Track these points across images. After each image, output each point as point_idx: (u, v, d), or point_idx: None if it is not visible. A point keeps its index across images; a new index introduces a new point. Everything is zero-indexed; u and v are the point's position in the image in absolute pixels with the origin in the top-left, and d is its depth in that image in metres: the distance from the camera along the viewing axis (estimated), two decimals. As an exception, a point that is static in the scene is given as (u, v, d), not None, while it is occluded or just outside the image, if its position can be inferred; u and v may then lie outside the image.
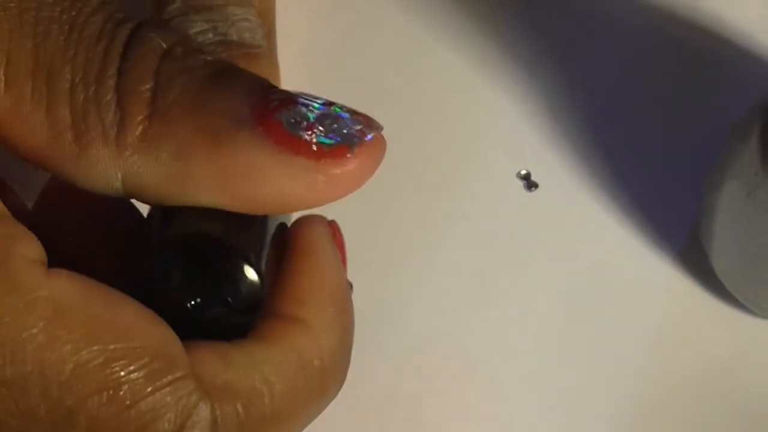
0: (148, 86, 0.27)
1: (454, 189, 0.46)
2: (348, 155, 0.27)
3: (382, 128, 0.28)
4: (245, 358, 0.28)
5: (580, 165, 0.46)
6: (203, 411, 0.26)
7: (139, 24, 0.28)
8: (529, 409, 0.42)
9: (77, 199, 0.30)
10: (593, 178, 0.46)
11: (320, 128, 0.27)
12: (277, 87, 0.28)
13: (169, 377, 0.26)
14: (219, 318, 0.28)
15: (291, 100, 0.28)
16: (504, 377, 0.43)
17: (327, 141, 0.27)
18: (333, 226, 0.32)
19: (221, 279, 0.28)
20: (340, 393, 0.31)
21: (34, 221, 0.28)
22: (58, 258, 0.27)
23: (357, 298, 0.32)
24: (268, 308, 0.29)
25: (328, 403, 0.30)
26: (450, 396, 0.42)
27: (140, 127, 0.27)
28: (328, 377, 0.29)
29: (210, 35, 0.44)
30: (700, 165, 0.45)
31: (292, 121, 0.27)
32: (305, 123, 0.27)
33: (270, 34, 0.46)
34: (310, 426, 0.31)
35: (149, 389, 0.26)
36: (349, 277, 0.33)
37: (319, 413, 0.30)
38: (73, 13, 0.27)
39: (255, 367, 0.28)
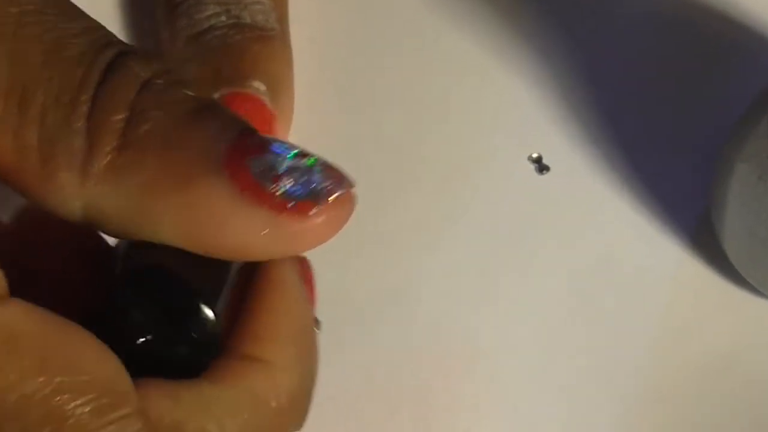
0: (120, 116, 0.26)
1: (464, 175, 0.46)
2: (313, 211, 0.27)
3: (353, 185, 0.28)
4: (195, 397, 0.27)
5: (592, 149, 0.46)
6: None
7: (122, 51, 0.27)
8: (535, 397, 0.42)
9: (52, 219, 0.29)
10: (605, 162, 0.46)
11: (289, 180, 0.27)
12: (255, 130, 0.27)
13: (116, 414, 0.25)
14: (171, 356, 0.27)
15: (265, 146, 0.27)
16: (510, 364, 0.43)
17: (294, 192, 0.27)
18: (303, 263, 0.30)
19: (175, 316, 0.27)
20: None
21: (13, 235, 0.28)
22: (26, 275, 0.27)
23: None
24: (226, 348, 0.28)
25: None
26: (454, 389, 0.42)
27: (108, 158, 0.26)
28: (285, 420, 0.28)
29: (223, 18, 0.44)
30: (711, 149, 0.45)
31: (261, 169, 0.27)
32: (273, 173, 0.27)
33: (283, 17, 0.46)
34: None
35: (94, 425, 0.25)
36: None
37: None
38: (55, 35, 0.26)
39: (206, 408, 0.27)
